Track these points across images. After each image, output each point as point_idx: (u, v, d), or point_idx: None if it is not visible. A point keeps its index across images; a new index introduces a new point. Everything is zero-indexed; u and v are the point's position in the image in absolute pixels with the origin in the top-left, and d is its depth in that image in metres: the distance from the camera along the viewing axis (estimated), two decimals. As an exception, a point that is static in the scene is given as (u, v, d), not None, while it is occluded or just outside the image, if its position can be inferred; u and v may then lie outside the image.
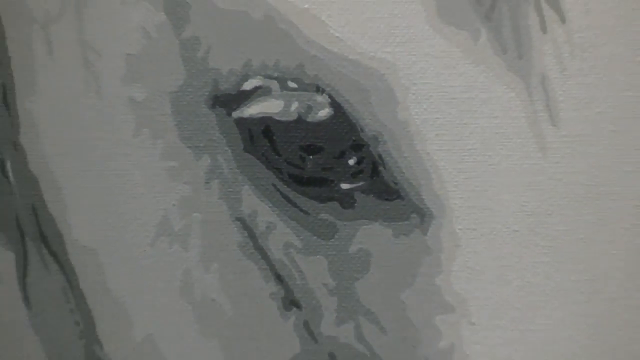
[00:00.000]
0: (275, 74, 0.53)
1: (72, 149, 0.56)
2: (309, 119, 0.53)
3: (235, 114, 0.54)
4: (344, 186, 0.54)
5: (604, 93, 0.53)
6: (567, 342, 0.54)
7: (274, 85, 0.53)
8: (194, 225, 0.55)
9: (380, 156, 0.53)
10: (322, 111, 0.53)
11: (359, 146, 0.53)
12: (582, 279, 0.53)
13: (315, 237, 0.55)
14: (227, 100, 0.54)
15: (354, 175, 0.54)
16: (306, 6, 0.52)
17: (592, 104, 0.53)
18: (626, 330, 0.53)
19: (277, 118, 0.53)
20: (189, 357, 0.56)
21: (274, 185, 0.54)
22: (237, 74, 0.53)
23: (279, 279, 0.55)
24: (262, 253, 0.55)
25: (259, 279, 0.55)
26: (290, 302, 0.55)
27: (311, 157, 0.54)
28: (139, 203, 0.55)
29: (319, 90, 0.53)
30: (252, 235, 0.55)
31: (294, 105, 0.53)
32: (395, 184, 0.53)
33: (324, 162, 0.54)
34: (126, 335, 0.57)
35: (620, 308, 0.53)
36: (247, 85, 0.53)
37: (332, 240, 0.55)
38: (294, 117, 0.53)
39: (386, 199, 0.54)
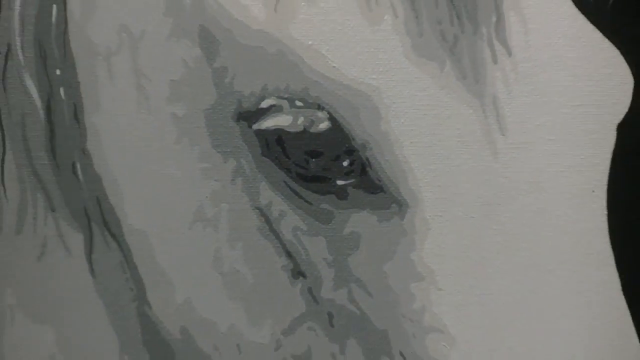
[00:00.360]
0: (286, 95, 0.58)
1: (128, 153, 0.61)
2: (312, 130, 0.58)
3: (255, 127, 0.59)
4: (339, 182, 0.59)
5: (541, 110, 0.60)
6: (512, 303, 0.60)
7: (285, 104, 0.58)
8: (222, 213, 0.60)
9: (367, 159, 0.58)
10: (322, 124, 0.58)
11: (351, 151, 0.59)
12: (524, 255, 0.60)
13: (317, 222, 0.60)
14: (248, 116, 0.59)
15: (347, 174, 0.59)
16: (310, 43, 0.58)
17: (532, 118, 0.60)
18: (559, 295, 0.60)
19: (287, 129, 0.58)
20: (219, 315, 0.61)
21: (284, 182, 0.59)
22: (256, 95, 0.59)
23: (288, 254, 0.60)
24: (276, 234, 0.60)
25: (273, 255, 0.60)
26: (298, 273, 0.60)
27: (313, 159, 0.59)
28: (180, 196, 0.60)
29: (319, 108, 0.58)
30: (267, 221, 0.60)
31: (300, 120, 0.58)
32: (379, 180, 0.59)
33: (323, 163, 0.59)
34: (169, 298, 0.62)
35: (554, 277, 0.60)
36: (264, 104, 0.59)
37: (330, 224, 0.60)
38: (300, 128, 0.58)
39: (372, 193, 0.59)
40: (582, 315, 0.60)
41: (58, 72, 0.61)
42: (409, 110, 0.59)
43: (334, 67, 0.58)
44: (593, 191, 0.61)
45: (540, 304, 0.60)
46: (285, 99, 0.58)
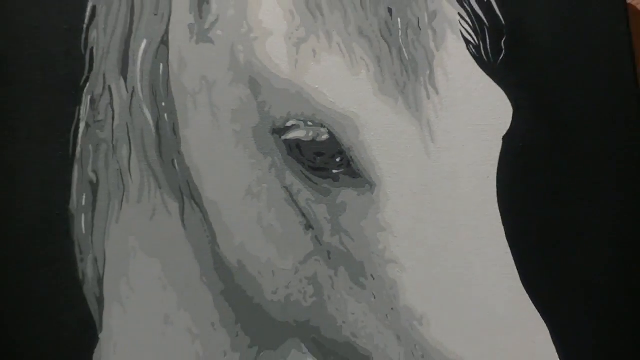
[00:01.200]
0: (302, 119, 0.71)
1: (206, 154, 0.74)
2: (317, 140, 0.71)
3: (283, 137, 0.72)
4: (334, 171, 0.72)
5: (457, 127, 0.75)
6: (440, 243, 0.72)
7: (301, 124, 0.71)
8: (263, 190, 0.73)
9: (351, 157, 0.71)
10: (323, 136, 0.71)
11: (341, 152, 0.71)
12: (446, 214, 0.73)
13: (320, 195, 0.71)
14: (279, 131, 0.72)
15: (339, 166, 0.71)
16: (316, 86, 0.72)
17: (451, 132, 0.74)
18: (468, 240, 0.73)
19: (303, 139, 0.71)
20: (260, 252, 0.72)
21: (301, 171, 0.72)
22: (284, 118, 0.71)
23: (303, 215, 0.72)
24: (296, 203, 0.72)
25: (293, 215, 0.72)
26: (309, 226, 0.73)
27: (318, 157, 0.71)
28: (237, 179, 0.73)
29: (322, 126, 0.71)
30: (290, 195, 0.72)
31: (310, 133, 0.71)
32: (358, 170, 0.71)
33: (324, 160, 0.71)
34: (230, 242, 0.74)
35: (465, 228, 0.73)
36: (288, 124, 0.71)
37: (329, 196, 0.71)
38: (310, 138, 0.71)
39: (354, 177, 0.72)
40: (481, 253, 0.74)
41: (163, 104, 0.74)
42: (376, 128, 0.72)
43: (331, 101, 0.71)
44: (488, 177, 0.75)
45: (457, 244, 0.73)
46: (302, 120, 0.71)
